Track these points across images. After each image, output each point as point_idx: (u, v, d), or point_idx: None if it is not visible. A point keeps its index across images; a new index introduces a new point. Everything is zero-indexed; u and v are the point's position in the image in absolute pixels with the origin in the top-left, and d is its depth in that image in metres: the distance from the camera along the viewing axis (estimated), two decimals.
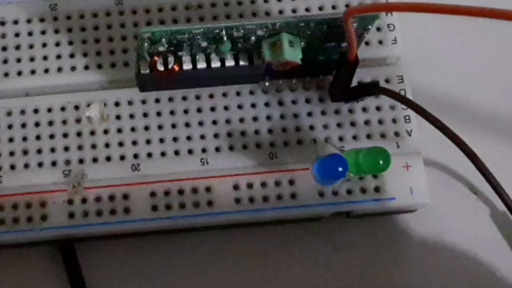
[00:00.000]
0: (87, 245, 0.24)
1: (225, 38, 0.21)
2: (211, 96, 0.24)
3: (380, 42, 0.24)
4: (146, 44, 0.21)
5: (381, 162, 0.21)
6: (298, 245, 0.24)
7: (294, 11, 0.24)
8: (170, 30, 0.21)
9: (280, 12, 0.24)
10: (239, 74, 0.23)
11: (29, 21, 0.24)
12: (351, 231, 0.25)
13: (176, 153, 0.23)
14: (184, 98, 0.24)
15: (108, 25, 0.24)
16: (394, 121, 0.24)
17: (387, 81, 0.24)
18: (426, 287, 0.24)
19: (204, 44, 0.21)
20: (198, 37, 0.21)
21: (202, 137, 0.23)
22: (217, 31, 0.21)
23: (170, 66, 0.22)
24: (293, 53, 0.21)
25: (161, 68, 0.22)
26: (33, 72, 0.24)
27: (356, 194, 0.23)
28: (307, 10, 0.24)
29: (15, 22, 0.24)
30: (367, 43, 0.24)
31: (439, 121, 0.22)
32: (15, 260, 0.24)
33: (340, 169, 0.22)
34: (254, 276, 0.24)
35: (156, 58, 0.22)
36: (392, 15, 0.25)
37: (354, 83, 0.23)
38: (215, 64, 0.22)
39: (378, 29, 0.24)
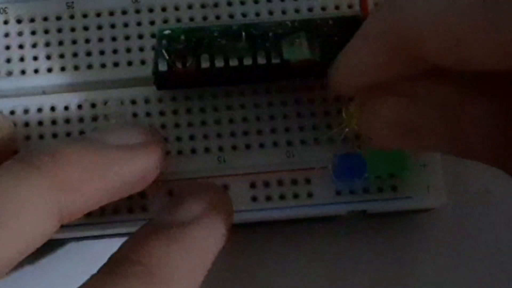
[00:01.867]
0: None
1: (243, 37, 0.21)
2: (227, 94, 0.24)
3: None
4: (164, 41, 0.21)
5: (399, 162, 0.21)
6: (315, 244, 0.24)
7: (310, 9, 0.24)
8: (190, 28, 0.21)
9: (296, 11, 0.24)
10: (257, 73, 0.22)
11: (45, 19, 0.24)
12: (367, 230, 0.25)
13: (193, 151, 0.23)
14: (200, 97, 0.24)
15: (125, 23, 0.24)
16: None
17: None
18: (442, 287, 0.24)
19: (222, 42, 0.21)
20: (216, 35, 0.21)
21: (219, 135, 0.23)
22: (236, 29, 0.21)
23: (188, 64, 0.22)
24: (312, 52, 0.21)
25: (179, 66, 0.22)
26: (49, 70, 0.24)
27: (373, 193, 0.23)
28: (322, 9, 0.24)
29: (32, 20, 0.24)
30: None
31: None
32: None
33: (358, 169, 0.22)
34: (270, 275, 0.24)
35: (174, 56, 0.22)
36: None
37: None
38: (233, 62, 0.22)
39: None
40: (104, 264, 0.19)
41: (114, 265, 0.19)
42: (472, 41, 0.14)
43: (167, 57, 0.22)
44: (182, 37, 0.21)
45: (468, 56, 0.15)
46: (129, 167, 0.21)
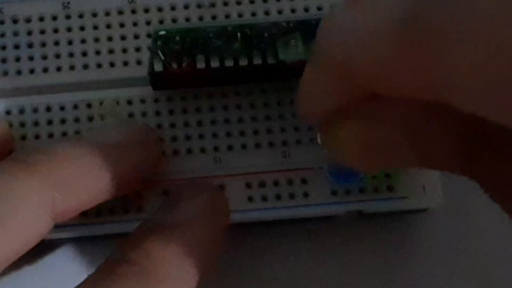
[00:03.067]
0: None
1: (239, 37, 0.21)
2: (223, 94, 0.24)
3: None
4: (159, 42, 0.21)
5: None
6: (311, 244, 0.24)
7: (306, 10, 0.24)
8: (185, 28, 0.21)
9: (293, 11, 0.24)
10: (253, 73, 0.22)
11: (41, 19, 0.24)
12: (363, 230, 0.25)
13: (189, 151, 0.23)
14: (196, 97, 0.24)
15: (121, 23, 0.24)
16: None
17: None
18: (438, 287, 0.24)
19: (218, 43, 0.21)
20: (212, 36, 0.21)
21: (215, 135, 0.23)
22: (231, 30, 0.21)
23: (183, 65, 0.22)
24: (307, 52, 0.21)
25: (174, 66, 0.22)
26: (45, 70, 0.24)
27: (368, 193, 0.23)
28: (318, 9, 0.24)
29: (28, 20, 0.24)
30: None
31: None
32: None
33: (354, 169, 0.22)
34: (265, 275, 0.24)
35: (169, 56, 0.22)
36: None
37: None
38: (229, 63, 0.22)
39: None
40: (101, 264, 0.19)
41: (111, 265, 0.19)
42: (397, 77, 0.15)
43: (162, 58, 0.22)
44: (178, 37, 0.21)
45: (397, 88, 0.15)
46: (123, 166, 0.21)
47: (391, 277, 0.24)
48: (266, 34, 0.21)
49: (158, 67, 0.22)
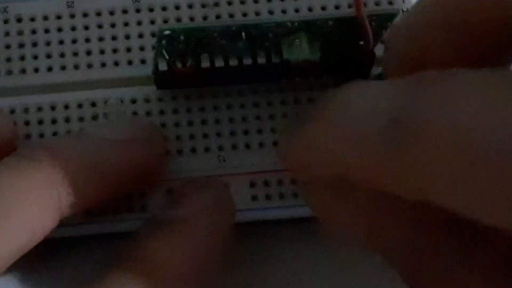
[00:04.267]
0: None
1: (243, 37, 0.21)
2: (227, 93, 0.24)
3: None
4: (164, 41, 0.21)
5: None
6: (314, 243, 0.24)
7: (310, 9, 0.24)
8: (190, 28, 0.21)
9: (296, 10, 0.24)
10: (257, 73, 0.23)
11: (45, 18, 0.24)
12: None
13: (193, 150, 0.23)
14: (200, 96, 0.24)
15: (125, 22, 0.24)
16: None
17: None
18: None
19: (222, 42, 0.21)
20: (217, 35, 0.21)
21: (219, 134, 0.23)
22: (236, 29, 0.21)
23: (188, 64, 0.22)
24: (311, 52, 0.21)
25: (179, 65, 0.22)
26: (49, 69, 0.24)
27: None
28: (322, 8, 0.24)
29: (32, 19, 0.24)
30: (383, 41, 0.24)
31: None
32: None
33: None
34: (269, 274, 0.24)
35: (174, 56, 0.22)
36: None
37: None
38: (233, 62, 0.22)
39: None
40: (108, 262, 0.19)
41: (118, 262, 0.19)
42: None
43: (167, 57, 0.22)
44: (182, 37, 0.21)
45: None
46: (128, 162, 0.21)
47: (393, 275, 0.24)
48: (270, 35, 0.21)
49: (163, 66, 0.22)
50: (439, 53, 0.18)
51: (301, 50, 0.21)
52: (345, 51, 0.22)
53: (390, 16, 0.21)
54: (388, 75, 0.20)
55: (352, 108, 0.16)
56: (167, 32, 0.21)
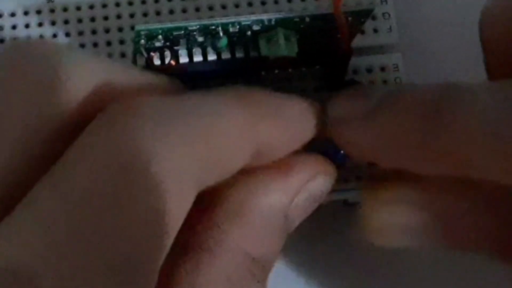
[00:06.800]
0: None
1: (221, 34, 0.21)
2: (207, 87, 0.24)
3: (375, 31, 0.25)
4: (142, 40, 0.21)
5: None
6: (295, 234, 0.25)
7: (289, 1, 0.24)
8: (167, 27, 0.21)
9: (275, 2, 0.24)
10: (236, 67, 0.23)
11: (26, 13, 0.24)
12: (348, 219, 0.25)
13: None
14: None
15: (105, 16, 0.24)
16: None
17: (382, 69, 0.24)
18: (419, 275, 0.25)
19: (200, 39, 0.22)
20: (195, 33, 0.21)
21: None
22: (213, 27, 0.21)
23: (166, 61, 0.22)
24: (289, 48, 0.21)
25: (157, 62, 0.22)
26: None
27: (352, 182, 0.23)
28: (302, 0, 0.24)
29: (12, 15, 0.24)
30: (362, 32, 0.24)
31: None
32: None
33: (339, 158, 0.22)
34: None
35: (152, 53, 0.22)
36: (387, 4, 0.25)
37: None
38: (212, 57, 0.22)
39: (374, 17, 0.24)
40: None
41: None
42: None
43: (145, 55, 0.22)
44: (160, 35, 0.21)
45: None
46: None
47: (378, 265, 0.25)
48: (248, 31, 0.21)
49: (141, 62, 0.22)
50: None
51: (278, 47, 0.21)
52: (322, 47, 0.22)
53: (366, 12, 0.21)
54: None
55: None
56: (144, 32, 0.21)
